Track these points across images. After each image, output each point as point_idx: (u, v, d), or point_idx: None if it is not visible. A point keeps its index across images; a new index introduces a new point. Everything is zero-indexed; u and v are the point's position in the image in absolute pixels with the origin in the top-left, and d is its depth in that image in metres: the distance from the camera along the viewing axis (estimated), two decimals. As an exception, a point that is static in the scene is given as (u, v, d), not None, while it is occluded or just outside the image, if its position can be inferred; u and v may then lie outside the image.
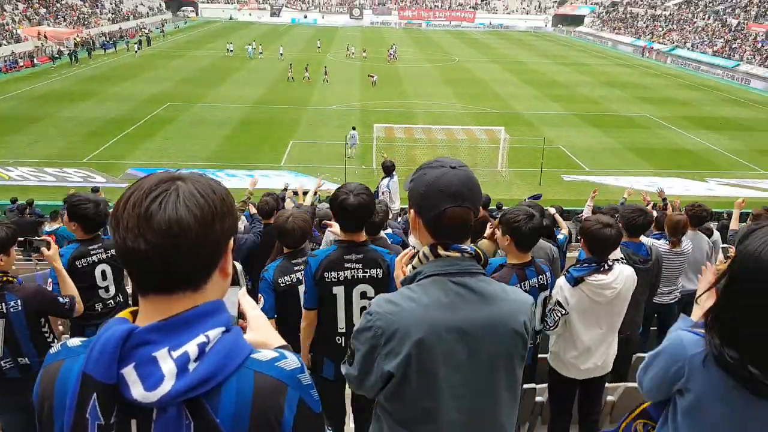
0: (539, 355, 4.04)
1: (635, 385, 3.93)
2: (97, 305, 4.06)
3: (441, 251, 1.62)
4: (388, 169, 9.74)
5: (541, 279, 3.45)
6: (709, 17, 58.87)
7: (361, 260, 3.05)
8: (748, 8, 56.24)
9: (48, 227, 10.34)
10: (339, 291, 3.07)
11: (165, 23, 63.04)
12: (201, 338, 1.04)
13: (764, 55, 45.12)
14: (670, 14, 64.88)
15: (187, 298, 1.08)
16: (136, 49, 45.56)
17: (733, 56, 47.70)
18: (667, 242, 5.22)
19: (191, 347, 1.03)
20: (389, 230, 5.41)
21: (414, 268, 1.67)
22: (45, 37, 42.30)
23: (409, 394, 1.61)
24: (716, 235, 6.46)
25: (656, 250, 4.52)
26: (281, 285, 3.51)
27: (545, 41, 65.98)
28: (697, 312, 2.35)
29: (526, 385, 3.83)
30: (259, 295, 3.51)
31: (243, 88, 32.88)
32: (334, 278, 3.04)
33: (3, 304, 3.27)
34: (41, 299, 3.39)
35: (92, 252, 3.97)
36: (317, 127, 25.51)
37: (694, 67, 48.27)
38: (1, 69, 35.33)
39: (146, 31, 54.75)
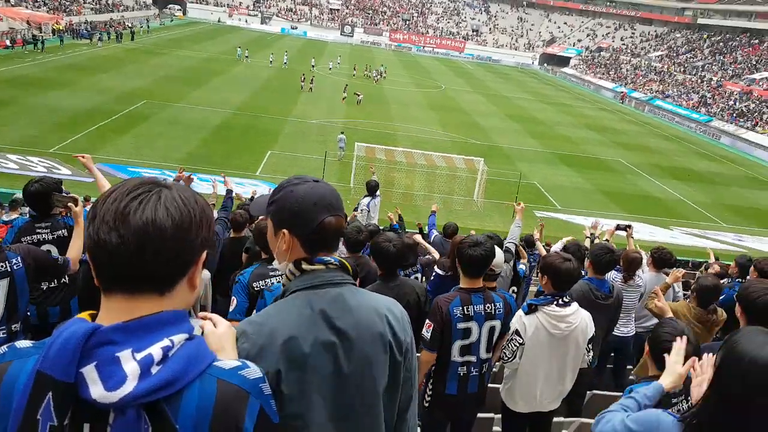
0: (490, 385, 4.07)
1: (589, 420, 3.91)
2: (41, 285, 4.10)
3: (305, 266, 1.58)
4: (372, 189, 9.79)
5: (488, 307, 3.42)
6: (688, 72, 61.10)
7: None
8: (725, 67, 58.60)
9: (5, 217, 9.80)
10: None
11: (149, 19, 62.38)
12: (165, 342, 1.04)
13: (735, 113, 46.88)
14: (651, 65, 67.14)
15: (151, 302, 1.08)
16: (100, 39, 45.07)
17: (708, 112, 49.44)
18: (621, 276, 5.52)
19: (155, 350, 1.02)
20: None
21: (283, 286, 1.64)
22: (28, 23, 41.28)
23: (283, 410, 1.49)
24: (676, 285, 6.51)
25: (617, 286, 4.78)
26: (255, 288, 3.62)
27: (531, 78, 67.42)
28: (667, 380, 2.27)
29: (482, 414, 3.95)
30: (233, 297, 3.61)
31: (225, 93, 32.53)
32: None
33: (6, 263, 3.21)
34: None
35: (38, 230, 4.04)
36: (297, 140, 25.31)
37: (669, 118, 49.86)
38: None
39: (130, 25, 54.03)
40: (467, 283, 3.46)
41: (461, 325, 3.35)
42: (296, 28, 77.26)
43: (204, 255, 1.15)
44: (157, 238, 1.04)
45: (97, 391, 0.98)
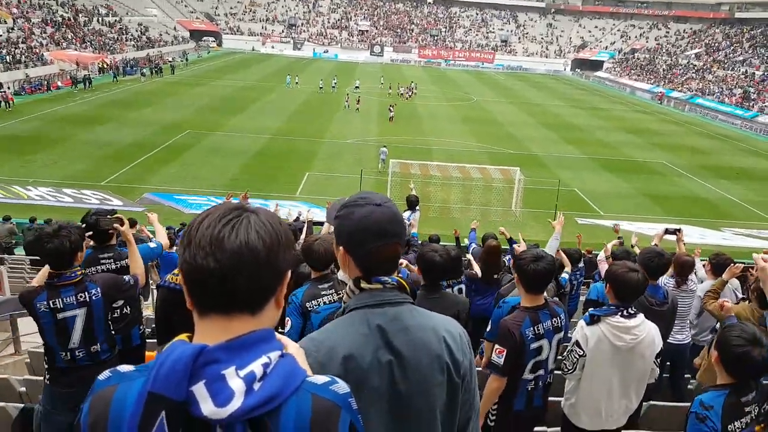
0: (550, 398, 3.95)
1: None
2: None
3: (364, 284, 1.62)
4: (412, 204, 9.98)
5: (555, 321, 3.40)
6: (728, 67, 59.28)
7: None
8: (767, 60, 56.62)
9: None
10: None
11: (187, 53, 64.76)
12: (264, 359, 1.09)
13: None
14: (689, 63, 65.46)
15: (245, 322, 1.14)
16: (143, 74, 47.17)
17: (752, 107, 47.73)
18: (673, 281, 5.33)
19: (257, 367, 1.07)
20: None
21: (343, 303, 1.68)
22: (77, 63, 43.55)
23: None
24: (735, 282, 6.28)
25: (671, 292, 4.61)
26: (308, 308, 3.63)
27: (563, 85, 66.68)
28: None
29: (537, 428, 3.79)
30: (287, 318, 3.63)
31: (262, 119, 33.44)
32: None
33: (86, 293, 3.44)
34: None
35: (102, 260, 4.32)
36: (333, 160, 25.76)
37: (711, 116, 48.33)
38: (27, 90, 36.29)
39: (170, 59, 56.22)
40: (530, 300, 3.38)
41: (534, 345, 3.31)
42: (327, 51, 78.80)
43: (289, 275, 1.21)
44: (251, 261, 1.10)
45: (207, 407, 1.03)
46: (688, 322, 5.56)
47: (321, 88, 45.76)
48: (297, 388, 1.11)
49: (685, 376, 5.54)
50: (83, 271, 3.51)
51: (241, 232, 1.11)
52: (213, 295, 1.12)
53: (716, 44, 68.09)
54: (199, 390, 1.04)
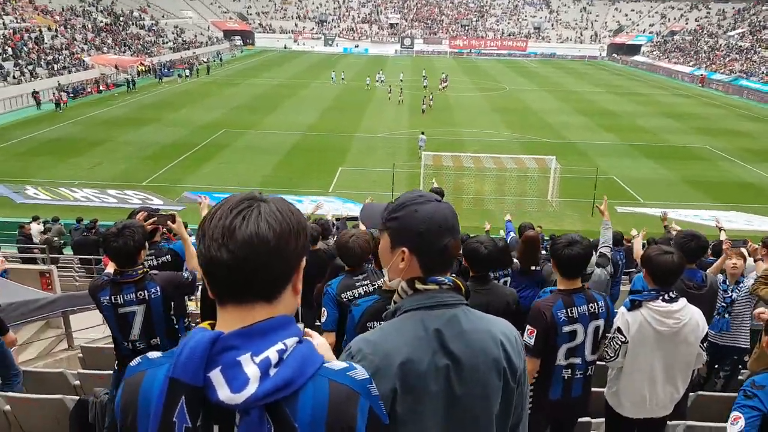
0: (593, 389, 3.89)
1: (696, 424, 3.77)
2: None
3: (419, 285, 1.59)
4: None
5: (591, 307, 3.30)
6: (773, 46, 56.73)
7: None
8: (816, 37, 53.92)
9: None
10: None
11: (221, 53, 65.84)
12: (279, 345, 1.11)
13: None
14: (732, 44, 62.92)
15: (262, 309, 1.16)
16: (179, 76, 48.21)
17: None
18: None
19: (272, 353, 1.09)
20: None
21: (394, 303, 1.64)
22: (116, 67, 44.88)
23: (397, 431, 1.53)
24: None
25: (712, 278, 4.49)
26: (343, 298, 3.69)
27: (599, 70, 65.04)
28: None
29: (581, 419, 3.73)
30: (323, 308, 3.70)
31: (295, 116, 33.79)
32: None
33: (145, 291, 3.56)
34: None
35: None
36: (365, 155, 25.85)
37: (758, 97, 46.37)
38: (71, 95, 37.62)
39: (204, 60, 57.26)
40: (566, 284, 3.35)
41: (567, 328, 3.25)
42: (357, 46, 78.90)
43: (303, 262, 1.23)
44: (262, 251, 1.12)
45: (224, 393, 1.06)
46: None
47: (368, 84, 45.51)
48: (314, 375, 1.13)
49: (740, 368, 5.37)
50: (145, 269, 3.64)
51: (252, 222, 1.13)
52: (228, 284, 1.15)
53: (761, 23, 65.16)
54: (216, 376, 1.07)
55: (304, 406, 1.10)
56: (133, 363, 1.22)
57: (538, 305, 3.32)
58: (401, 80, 45.18)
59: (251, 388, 1.06)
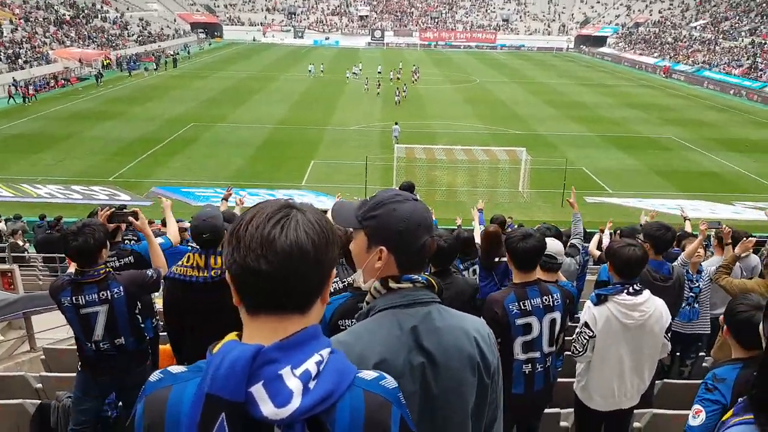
0: (560, 380, 3.96)
1: (662, 411, 3.86)
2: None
3: (392, 284, 1.58)
4: (408, 190, 9.88)
5: (546, 299, 3.27)
6: (735, 38, 58.32)
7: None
8: (774, 29, 55.61)
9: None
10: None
11: (188, 45, 64.45)
12: (317, 357, 1.10)
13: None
14: (695, 35, 64.46)
15: (296, 320, 1.14)
16: (146, 69, 47.15)
17: (760, 77, 47.00)
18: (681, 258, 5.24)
19: (311, 365, 1.08)
20: None
21: (367, 303, 1.63)
22: (80, 61, 43.57)
23: None
24: (754, 259, 6.20)
25: (677, 268, 4.56)
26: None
27: (567, 62, 65.89)
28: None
29: (548, 410, 3.76)
30: None
31: (265, 109, 33.36)
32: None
33: (108, 291, 3.50)
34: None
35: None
36: (338, 148, 25.70)
37: (720, 88, 47.64)
38: (37, 89, 36.38)
39: (171, 53, 56.06)
40: (521, 277, 3.34)
41: (520, 321, 3.24)
42: (328, 38, 78.26)
43: (334, 272, 1.22)
44: (301, 262, 1.10)
45: (267, 408, 1.03)
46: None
47: (348, 77, 45.25)
48: (350, 385, 1.12)
49: (701, 355, 5.51)
50: (108, 268, 3.56)
51: (291, 233, 1.11)
52: (265, 296, 1.12)
53: (720, 14, 66.91)
54: (258, 391, 1.04)
55: (341, 417, 1.10)
56: (153, 378, 1.16)
57: (490, 298, 3.34)
58: (379, 73, 44.90)
59: (295, 402, 1.04)
